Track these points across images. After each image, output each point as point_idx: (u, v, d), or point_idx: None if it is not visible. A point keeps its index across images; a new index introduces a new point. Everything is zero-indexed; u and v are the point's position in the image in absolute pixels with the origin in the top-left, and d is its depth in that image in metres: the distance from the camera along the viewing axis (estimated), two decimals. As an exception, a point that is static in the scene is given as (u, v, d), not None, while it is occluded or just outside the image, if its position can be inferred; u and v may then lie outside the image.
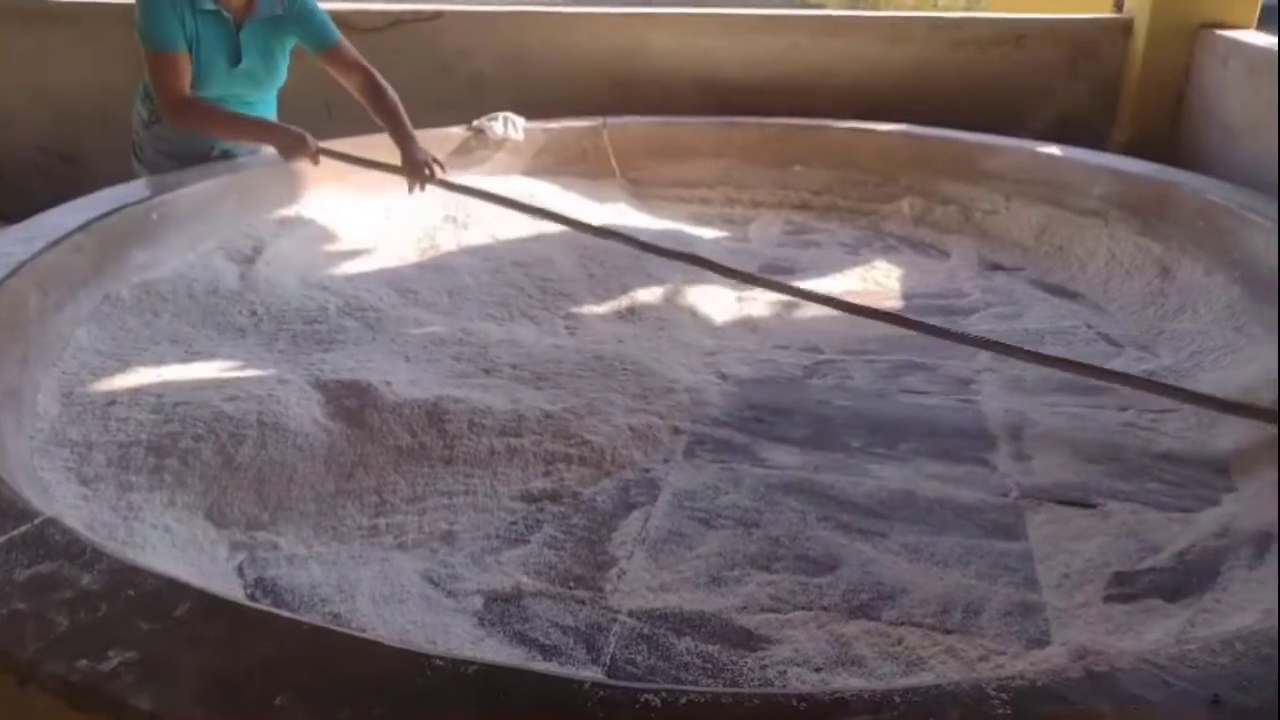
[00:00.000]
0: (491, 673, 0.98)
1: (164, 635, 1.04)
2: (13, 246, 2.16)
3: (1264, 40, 3.00)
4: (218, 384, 1.99)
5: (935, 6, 8.14)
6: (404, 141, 2.82)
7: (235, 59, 2.69)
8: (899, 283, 2.81)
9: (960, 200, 3.21)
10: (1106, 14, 3.73)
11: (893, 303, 2.70)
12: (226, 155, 2.91)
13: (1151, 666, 1.01)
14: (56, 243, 2.22)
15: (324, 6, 2.89)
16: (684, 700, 0.95)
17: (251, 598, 1.50)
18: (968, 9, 8.28)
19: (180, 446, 1.77)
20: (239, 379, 2.02)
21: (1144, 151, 3.16)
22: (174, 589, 1.11)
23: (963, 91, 3.69)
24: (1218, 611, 1.44)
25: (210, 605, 1.09)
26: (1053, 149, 3.10)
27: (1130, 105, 3.49)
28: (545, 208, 2.88)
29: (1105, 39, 3.59)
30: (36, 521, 1.24)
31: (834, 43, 3.81)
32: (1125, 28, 3.55)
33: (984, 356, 2.31)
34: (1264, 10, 3.35)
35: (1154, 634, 1.39)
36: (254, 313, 2.41)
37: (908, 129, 3.41)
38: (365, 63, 2.87)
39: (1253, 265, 2.31)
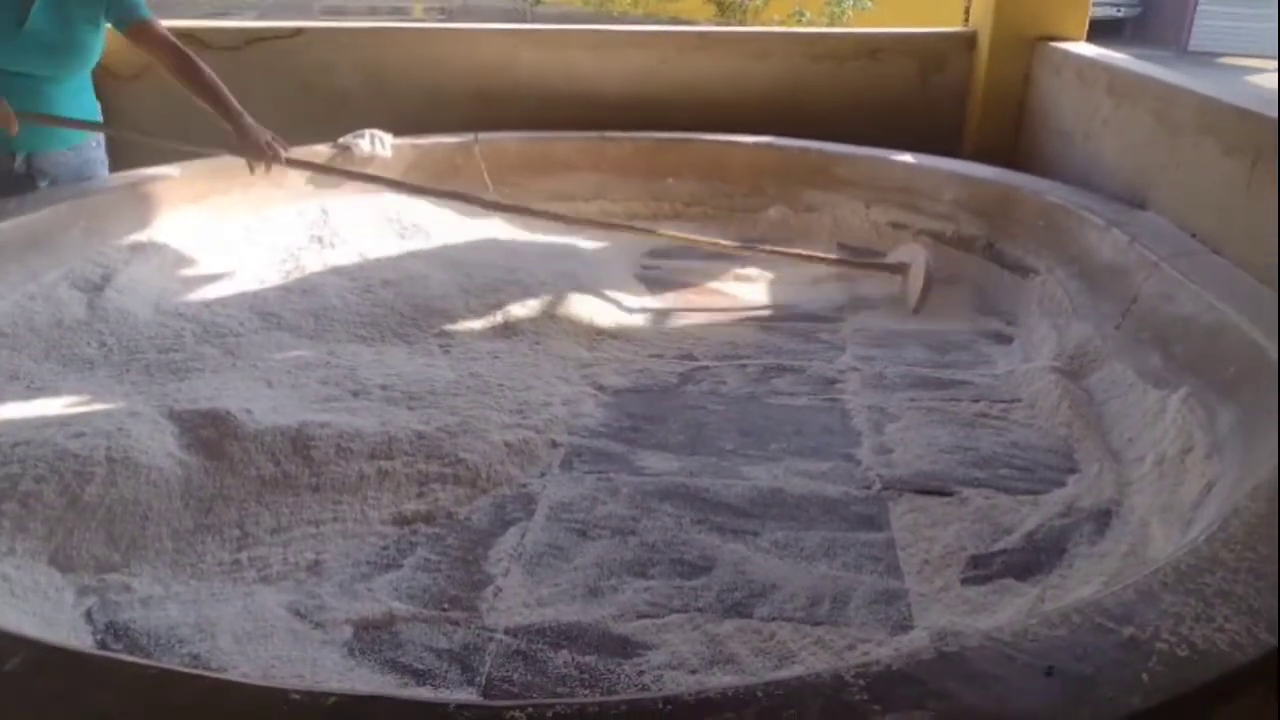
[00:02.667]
0: (353, 703, 0.95)
1: (-8, 691, 0.97)
2: None
3: (1093, 51, 3.22)
4: (62, 420, 1.88)
5: (801, 22, 8.44)
6: (236, 119, 2.69)
7: (20, 19, 2.50)
8: (769, 284, 2.89)
9: (823, 207, 3.33)
10: (953, 28, 3.94)
11: (764, 304, 2.78)
12: (31, 170, 2.70)
13: (997, 643, 1.07)
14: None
15: (179, 25, 2.78)
16: (550, 713, 0.94)
17: (102, 644, 1.42)
18: (831, 24, 8.62)
19: (20, 489, 1.65)
20: (86, 414, 1.91)
21: (990, 157, 3.35)
22: (4, 640, 1.04)
23: (824, 103, 3.83)
24: (1063, 587, 1.53)
25: (45, 656, 1.02)
26: (906, 157, 3.25)
27: (976, 113, 3.69)
28: (403, 180, 2.81)
29: (952, 51, 3.79)
30: None
31: (701, 58, 3.89)
32: (970, 40, 3.75)
33: (847, 357, 2.40)
34: (1093, 23, 3.61)
35: (1007, 612, 1.47)
36: (103, 343, 2.28)
37: (773, 140, 3.52)
38: (178, 41, 2.75)
39: (1088, 260, 2.48)
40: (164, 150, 2.93)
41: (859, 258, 3.04)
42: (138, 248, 2.74)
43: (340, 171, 2.72)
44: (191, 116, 2.89)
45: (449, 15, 13.54)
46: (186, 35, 3.96)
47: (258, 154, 2.67)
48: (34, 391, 2.03)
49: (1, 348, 2.19)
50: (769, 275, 2.98)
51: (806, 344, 2.48)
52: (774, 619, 1.46)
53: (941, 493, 1.79)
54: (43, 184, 2.73)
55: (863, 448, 1.96)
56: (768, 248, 2.93)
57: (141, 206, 2.86)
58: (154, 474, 1.72)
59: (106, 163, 2.94)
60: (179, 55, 2.73)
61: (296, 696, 0.96)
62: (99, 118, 2.88)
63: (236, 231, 2.93)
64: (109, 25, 2.73)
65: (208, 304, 2.51)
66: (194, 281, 2.65)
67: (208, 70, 2.72)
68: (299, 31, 4.00)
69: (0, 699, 0.96)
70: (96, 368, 2.17)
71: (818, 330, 2.57)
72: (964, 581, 1.56)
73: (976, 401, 2.14)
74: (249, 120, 2.71)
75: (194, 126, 2.90)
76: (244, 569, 1.58)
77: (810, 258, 2.92)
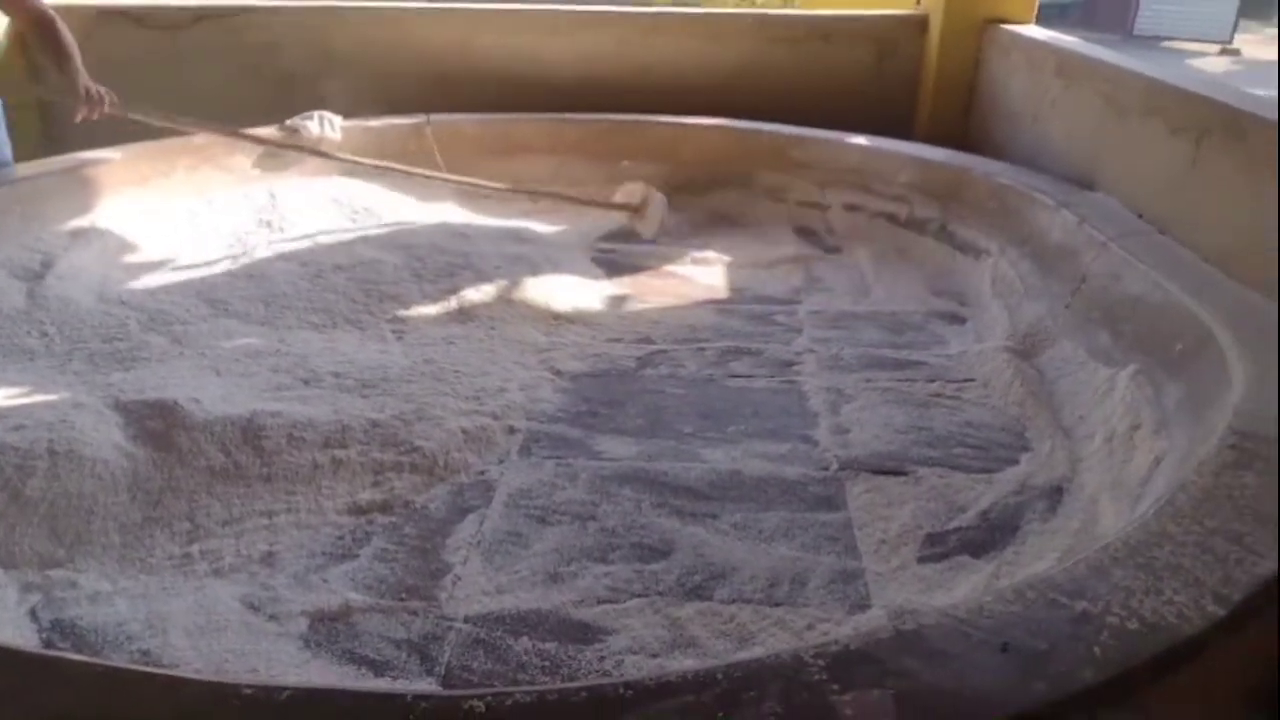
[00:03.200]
0: (306, 696, 0.94)
1: (-71, 695, 0.93)
2: None
3: (1042, 34, 3.26)
4: (1, 413, 1.81)
5: (753, 4, 8.42)
6: (73, 73, 2.62)
7: None
8: (726, 267, 2.90)
9: (778, 189, 3.34)
10: (904, 10, 3.96)
11: (721, 287, 2.78)
12: None
13: (953, 620, 1.08)
14: None
15: (115, 4, 2.69)
16: (510, 702, 0.93)
17: (47, 643, 1.37)
18: (784, 6, 8.61)
19: (-44, 485, 1.60)
20: (26, 405, 1.85)
21: (941, 139, 3.38)
22: (-59, 643, 1.00)
23: (778, 86, 3.83)
24: (1017, 563, 1.56)
25: (-14, 656, 0.99)
26: (860, 139, 3.27)
27: (928, 96, 3.72)
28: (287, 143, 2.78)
29: (904, 34, 3.81)
30: None
31: (658, 39, 3.87)
32: (921, 24, 3.77)
33: (804, 339, 2.41)
34: (1043, 7, 3.65)
35: (962, 589, 1.49)
36: (44, 333, 2.21)
37: (728, 123, 3.51)
38: (44, 6, 2.66)
39: (1039, 240, 2.51)
40: (101, 133, 2.83)
41: (785, 236, 3.13)
42: (78, 233, 2.66)
43: (193, 126, 2.66)
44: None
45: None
46: (121, 14, 3.86)
47: (90, 104, 2.61)
48: (-31, 383, 1.96)
49: (-65, 339, 2.12)
50: (725, 259, 2.98)
51: (763, 326, 2.49)
52: (734, 601, 1.47)
53: (897, 472, 1.81)
54: None
55: (820, 429, 1.97)
56: (529, 189, 3.27)
57: (81, 191, 2.77)
58: (99, 466, 1.67)
59: (8, 144, 2.81)
60: (43, 12, 2.64)
61: (249, 691, 0.94)
62: None
63: (181, 216, 2.86)
64: None
65: (153, 291, 2.45)
66: (138, 268, 2.58)
67: (64, 28, 2.64)
68: (242, 10, 3.90)
69: (-62, 703, 0.93)
70: (37, 358, 2.10)
71: (774, 313, 2.58)
72: (920, 560, 1.58)
73: (931, 381, 2.16)
74: (85, 76, 2.64)
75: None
76: (195, 562, 1.54)
77: (558, 196, 3.24)
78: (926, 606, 1.39)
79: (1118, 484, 1.67)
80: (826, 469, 1.83)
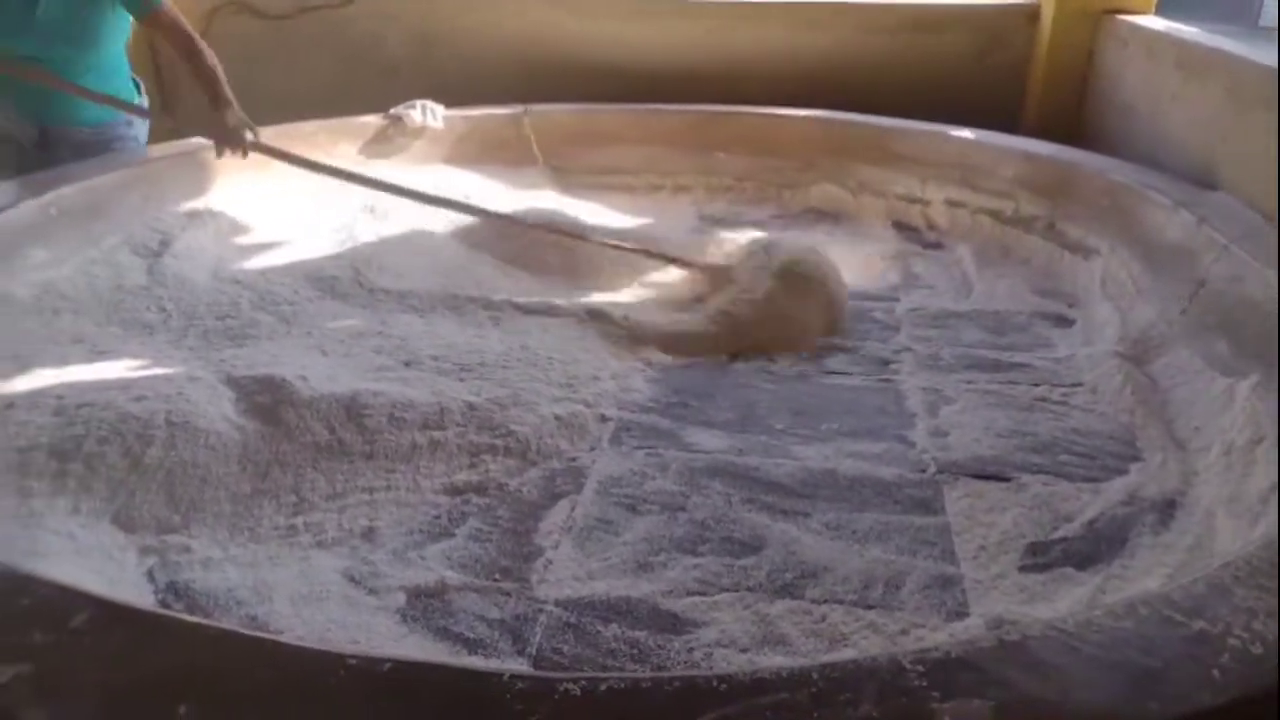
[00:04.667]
0: (408, 669, 0.96)
1: (60, 646, 0.99)
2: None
3: (1162, 24, 3.11)
4: (123, 384, 1.91)
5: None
6: (220, 107, 2.65)
7: (33, 2, 2.51)
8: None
9: (876, 183, 3.27)
10: (1014, 1, 3.82)
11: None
12: (46, 142, 2.70)
13: (1060, 634, 1.04)
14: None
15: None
16: (604, 687, 0.94)
17: (163, 603, 1.44)
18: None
19: (84, 450, 1.69)
20: (146, 378, 1.95)
21: (1050, 133, 3.26)
22: (71, 597, 1.06)
23: (876, 77, 3.75)
24: (1125, 577, 1.49)
25: (109, 613, 1.04)
26: (964, 132, 3.17)
27: (1037, 88, 3.58)
28: (366, 176, 2.73)
29: (1012, 24, 3.68)
30: (-78, 533, 1.17)
31: (750, 28, 3.83)
32: (1032, 14, 3.64)
33: (902, 337, 2.35)
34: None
35: (1066, 602, 1.44)
36: (162, 309, 2.32)
37: (824, 114, 3.45)
38: (189, 28, 2.73)
39: (1153, 241, 2.40)
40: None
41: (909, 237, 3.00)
42: (194, 215, 2.78)
43: (306, 162, 2.66)
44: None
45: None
46: (239, 3, 4.02)
47: (230, 143, 2.62)
48: (96, 355, 2.07)
49: (65, 311, 2.24)
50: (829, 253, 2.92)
51: (860, 323, 2.44)
52: (826, 601, 1.45)
53: (999, 478, 1.75)
54: (63, 158, 2.73)
55: (917, 430, 1.93)
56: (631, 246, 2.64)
57: (198, 174, 2.89)
58: (212, 438, 1.75)
59: (143, 142, 2.93)
60: (191, 41, 2.70)
61: (353, 661, 0.97)
62: (138, 99, 2.85)
63: (290, 201, 2.95)
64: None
65: (263, 272, 2.54)
66: (250, 249, 2.69)
67: (211, 56, 2.70)
68: (349, 1, 4.01)
69: (66, 655, 0.98)
70: (156, 332, 2.21)
71: (871, 309, 2.53)
72: (1021, 569, 1.53)
73: (1036, 385, 2.09)
74: (233, 110, 2.65)
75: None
76: (299, 534, 1.60)
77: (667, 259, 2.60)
78: (1029, 617, 1.36)
79: (1235, 499, 1.59)
80: (924, 471, 1.78)
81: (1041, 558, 1.56)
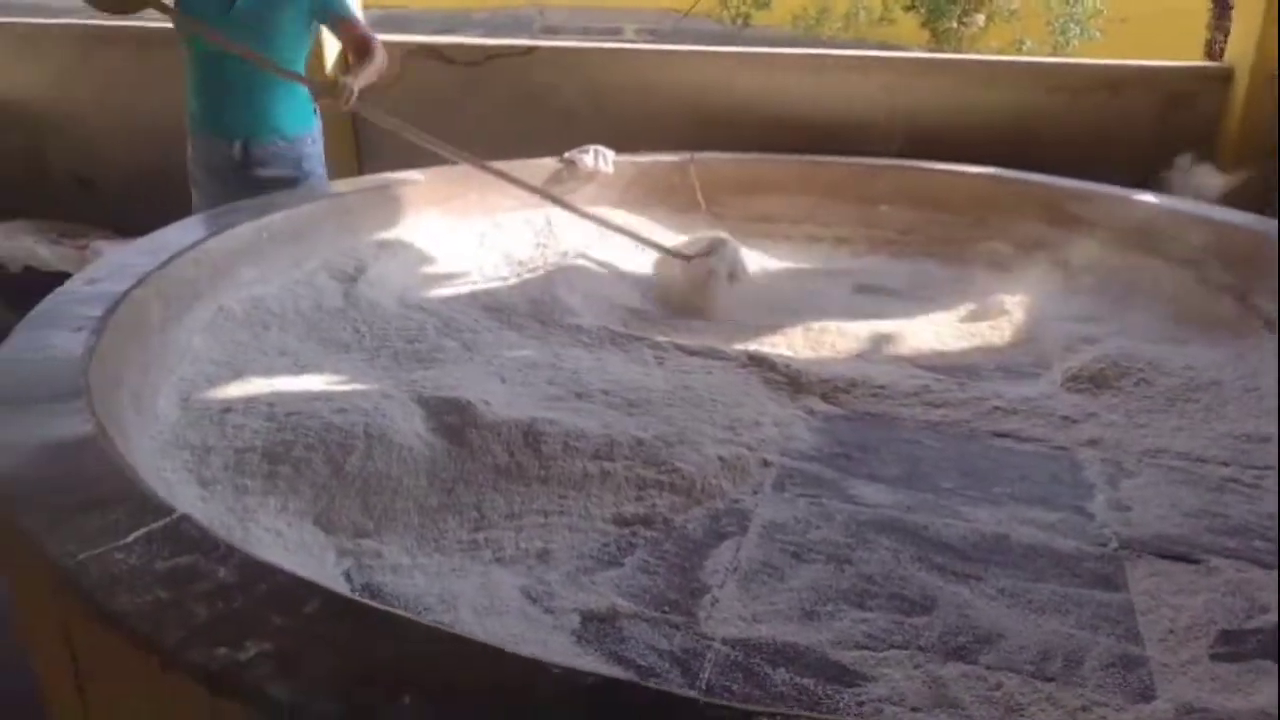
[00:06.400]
0: (609, 685, 1.01)
1: (295, 630, 1.09)
2: (137, 259, 2.29)
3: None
4: (326, 396, 2.07)
5: (1022, 50, 8.09)
6: (354, 71, 2.83)
7: (229, 2, 2.78)
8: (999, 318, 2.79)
9: (1050, 244, 3.18)
10: (1205, 62, 3.68)
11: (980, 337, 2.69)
12: (248, 158, 2.99)
13: (1265, 726, 1.00)
14: (176, 257, 2.34)
15: (420, 40, 3.03)
16: (798, 726, 0.96)
17: (358, 604, 1.55)
18: (1054, 53, 8.20)
19: (293, 455, 1.85)
20: (346, 392, 2.10)
21: (1243, 203, 3.10)
22: (303, 587, 1.16)
23: (1052, 136, 3.67)
24: (1330, 677, 1.40)
25: (338, 604, 1.14)
26: (1147, 196, 3.06)
27: (1229, 155, 3.42)
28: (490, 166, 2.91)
29: (1203, 88, 3.55)
30: (172, 517, 1.31)
31: (923, 83, 3.82)
32: (1225, 76, 3.50)
33: (1078, 398, 2.28)
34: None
35: (1265, 695, 1.36)
36: (357, 330, 2.50)
37: (997, 172, 3.40)
38: (371, 34, 2.94)
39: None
40: (408, 154, 3.17)
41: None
42: (385, 244, 2.99)
43: (423, 137, 2.83)
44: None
45: (660, 36, 13.87)
46: (430, 50, 4.31)
47: (333, 96, 2.79)
48: (300, 368, 2.25)
49: (272, 326, 2.45)
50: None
51: (1035, 386, 2.38)
52: (1001, 668, 1.42)
53: (1187, 559, 1.67)
54: (260, 172, 3.02)
55: (1095, 501, 1.86)
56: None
57: (389, 207, 3.11)
58: (405, 452, 1.87)
59: (323, 159, 3.21)
60: (368, 40, 2.93)
61: (558, 672, 1.02)
62: (314, 118, 3.13)
63: (472, 234, 3.14)
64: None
65: (446, 300, 2.71)
66: (435, 278, 2.87)
67: (381, 53, 2.91)
68: (531, 50, 4.25)
69: (302, 636, 1.08)
70: (351, 351, 2.39)
71: (1043, 370, 2.46)
72: (1213, 657, 1.45)
73: (1225, 465, 1.98)
74: (353, 79, 2.80)
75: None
76: (481, 549, 1.69)
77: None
78: (1224, 708, 1.29)
79: None
80: (1104, 545, 1.72)
81: (1236, 646, 1.47)
